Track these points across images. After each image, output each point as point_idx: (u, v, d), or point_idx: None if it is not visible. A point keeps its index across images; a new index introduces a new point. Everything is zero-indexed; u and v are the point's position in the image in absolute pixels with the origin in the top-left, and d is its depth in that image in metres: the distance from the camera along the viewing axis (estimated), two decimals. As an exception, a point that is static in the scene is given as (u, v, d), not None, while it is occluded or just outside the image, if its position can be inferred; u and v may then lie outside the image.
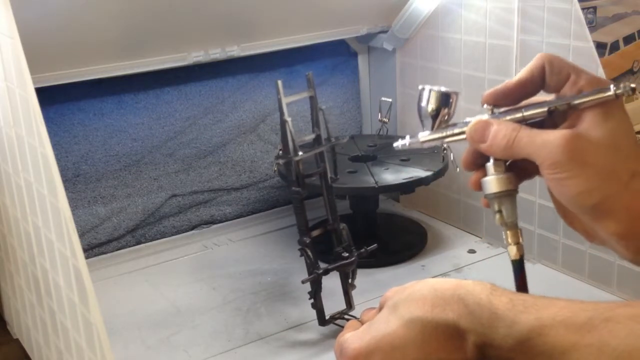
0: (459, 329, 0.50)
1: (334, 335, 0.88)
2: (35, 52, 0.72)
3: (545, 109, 0.55)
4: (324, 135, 0.92)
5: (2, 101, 0.77)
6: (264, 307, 0.99)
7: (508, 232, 0.57)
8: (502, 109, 0.57)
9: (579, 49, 0.94)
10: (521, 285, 0.57)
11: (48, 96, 1.05)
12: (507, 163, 0.57)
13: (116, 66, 1.05)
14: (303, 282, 0.87)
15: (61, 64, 1.00)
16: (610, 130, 0.52)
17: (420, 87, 0.60)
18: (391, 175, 1.08)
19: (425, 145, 0.61)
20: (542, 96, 0.57)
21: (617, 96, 0.52)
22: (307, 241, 0.88)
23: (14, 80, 0.71)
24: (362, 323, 0.58)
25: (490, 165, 0.57)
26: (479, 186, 0.58)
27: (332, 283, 0.92)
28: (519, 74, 0.56)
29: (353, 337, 0.55)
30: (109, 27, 0.98)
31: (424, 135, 0.60)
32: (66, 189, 0.79)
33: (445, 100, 0.59)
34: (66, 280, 0.70)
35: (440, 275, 1.06)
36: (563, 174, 0.51)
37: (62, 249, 0.68)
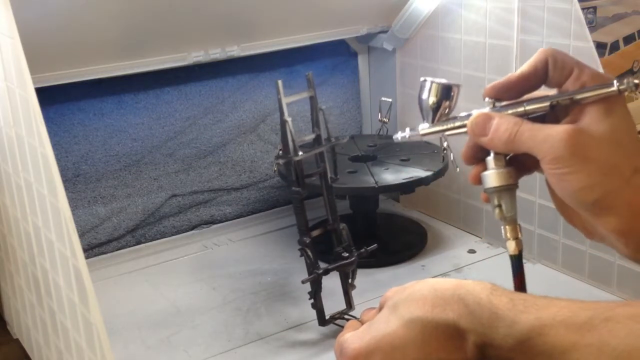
0: (459, 329, 0.50)
1: (334, 335, 0.88)
2: (35, 52, 0.72)
3: (548, 103, 0.54)
4: (324, 136, 0.91)
5: (2, 101, 0.77)
6: (264, 307, 0.99)
7: (507, 226, 0.57)
8: (504, 103, 0.56)
9: (579, 49, 0.94)
10: (519, 281, 0.56)
11: (48, 96, 1.05)
12: (507, 157, 0.57)
13: (116, 66, 1.05)
14: (303, 282, 0.87)
15: (61, 64, 1.00)
16: (612, 125, 0.52)
17: (422, 79, 0.59)
18: (391, 175, 1.08)
19: (425, 138, 0.60)
20: (544, 90, 0.57)
21: (620, 92, 0.52)
22: (307, 241, 0.88)
23: (14, 80, 0.71)
24: (362, 323, 0.58)
25: (490, 159, 0.56)
26: (479, 180, 0.58)
27: (332, 283, 0.92)
28: (522, 67, 0.56)
29: (353, 337, 0.55)
30: (109, 27, 0.98)
31: (425, 128, 0.60)
32: (66, 189, 0.79)
33: (446, 92, 0.58)
34: (66, 280, 0.70)
35: (440, 275, 1.06)
36: (564, 169, 0.51)
37: (62, 249, 0.68)
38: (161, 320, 0.97)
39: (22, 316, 0.95)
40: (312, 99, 0.91)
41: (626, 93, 0.52)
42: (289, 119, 0.86)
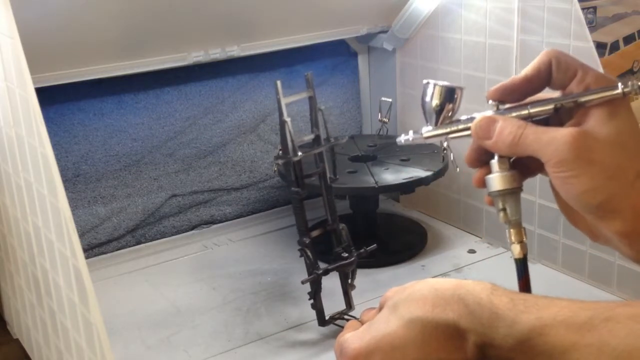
0: (459, 329, 0.49)
1: (334, 335, 0.88)
2: (35, 52, 0.72)
3: (552, 106, 0.54)
4: (323, 136, 0.91)
5: (2, 101, 0.77)
6: (264, 307, 0.99)
7: (512, 230, 0.56)
8: (508, 105, 0.56)
9: (579, 49, 0.94)
10: (524, 284, 0.56)
11: (48, 96, 1.05)
12: (511, 160, 0.56)
13: (116, 66, 1.05)
14: (303, 282, 0.87)
15: (61, 64, 1.00)
16: (616, 128, 0.52)
17: (424, 81, 0.59)
18: (391, 175, 1.08)
19: (429, 141, 0.60)
20: (548, 93, 0.56)
21: (624, 94, 0.51)
22: (307, 241, 0.88)
23: (14, 80, 0.71)
24: (362, 323, 0.58)
25: (494, 162, 0.56)
26: (483, 183, 0.57)
27: (331, 283, 0.92)
28: (525, 69, 0.56)
29: (353, 337, 0.55)
30: (109, 27, 0.98)
31: (428, 131, 0.59)
32: (66, 189, 0.79)
33: (449, 95, 0.58)
34: (66, 280, 0.70)
35: (440, 275, 1.06)
36: (569, 172, 0.51)
37: (62, 249, 0.68)
38: (161, 320, 0.97)
39: (22, 316, 0.95)
40: (311, 99, 0.91)
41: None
42: (288, 119, 0.86)
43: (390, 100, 1.19)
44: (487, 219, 1.16)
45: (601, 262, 0.98)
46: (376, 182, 1.05)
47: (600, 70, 0.92)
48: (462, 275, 1.06)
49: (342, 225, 0.91)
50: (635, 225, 0.51)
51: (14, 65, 0.69)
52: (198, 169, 1.24)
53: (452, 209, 1.22)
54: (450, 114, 0.58)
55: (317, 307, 0.89)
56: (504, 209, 0.56)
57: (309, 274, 0.88)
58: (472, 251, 1.14)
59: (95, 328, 0.64)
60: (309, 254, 0.88)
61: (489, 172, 0.57)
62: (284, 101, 0.87)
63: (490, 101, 0.56)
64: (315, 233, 0.90)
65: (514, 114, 0.55)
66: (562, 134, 0.51)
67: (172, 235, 1.23)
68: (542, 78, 0.55)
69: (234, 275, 1.09)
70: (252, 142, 1.28)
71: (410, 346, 0.51)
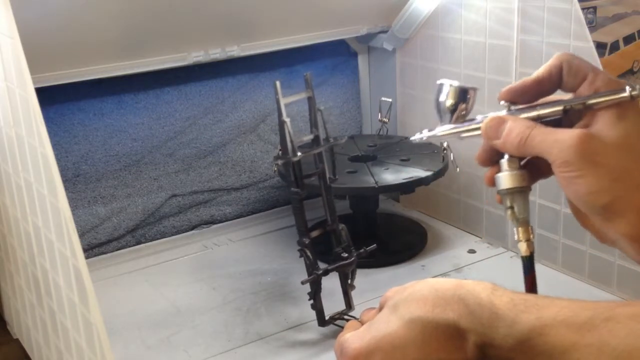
0: (460, 329, 0.50)
1: (334, 335, 0.88)
2: (35, 52, 0.72)
3: (561, 107, 0.55)
4: (322, 136, 0.91)
5: (2, 101, 0.77)
6: (264, 307, 0.99)
7: (519, 228, 0.57)
8: (519, 107, 0.57)
9: (579, 49, 0.94)
10: (531, 281, 0.57)
11: (48, 96, 1.05)
12: (523, 162, 0.57)
13: (116, 66, 1.05)
14: (303, 282, 0.87)
15: (61, 64, 1.00)
16: (624, 131, 0.52)
17: (439, 81, 0.60)
18: (391, 175, 1.08)
19: (442, 140, 0.62)
20: (560, 95, 0.57)
21: (632, 97, 0.52)
22: (307, 242, 0.88)
23: (14, 80, 0.71)
24: (362, 323, 0.58)
25: (504, 161, 0.57)
26: (493, 182, 0.58)
27: (331, 283, 0.92)
28: (537, 71, 0.57)
29: (353, 337, 0.55)
30: (109, 27, 0.98)
31: (441, 129, 0.61)
32: (66, 189, 0.79)
33: (463, 95, 0.59)
34: (66, 280, 0.70)
35: (440, 275, 1.06)
36: (574, 173, 0.51)
37: (62, 249, 0.68)
38: (161, 320, 0.97)
39: (22, 316, 0.95)
40: (310, 100, 0.91)
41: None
42: (287, 120, 0.86)
43: (390, 100, 1.19)
44: (487, 219, 1.16)
45: (601, 262, 0.98)
46: (376, 182, 1.05)
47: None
48: (462, 275, 1.06)
49: (341, 226, 0.91)
50: None
51: (14, 65, 0.69)
52: (198, 169, 1.24)
53: (452, 209, 1.22)
54: (463, 114, 0.60)
55: (317, 307, 0.89)
56: (512, 207, 0.57)
57: (309, 274, 0.88)
58: (472, 251, 1.14)
59: (95, 328, 0.64)
60: (309, 254, 0.88)
61: (500, 171, 0.57)
62: (283, 101, 0.87)
63: (502, 102, 0.57)
64: (315, 233, 0.90)
65: (523, 115, 0.56)
66: (568, 136, 0.52)
67: (172, 235, 1.23)
68: (554, 80, 0.56)
69: (234, 275, 1.09)
70: (252, 142, 1.28)
71: (410, 346, 0.51)
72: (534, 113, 0.56)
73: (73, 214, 0.65)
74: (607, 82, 0.54)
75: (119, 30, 1.00)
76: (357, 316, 0.64)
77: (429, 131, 0.62)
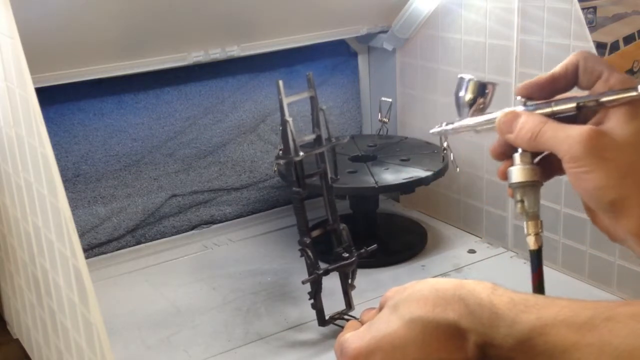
0: (460, 329, 0.49)
1: (334, 335, 0.88)
2: (35, 52, 0.72)
3: (574, 104, 0.56)
4: (324, 136, 0.91)
5: (2, 101, 0.77)
6: (264, 307, 0.99)
7: (529, 222, 0.58)
8: (535, 102, 0.58)
9: (579, 49, 0.93)
10: (538, 276, 0.57)
11: (48, 96, 1.05)
12: (538, 158, 0.58)
13: (116, 66, 1.05)
14: (303, 282, 0.87)
15: (61, 64, 1.00)
16: (634, 129, 0.52)
17: (459, 76, 0.61)
18: (391, 175, 1.08)
19: (460, 132, 0.63)
20: (577, 92, 0.58)
21: None
22: (307, 241, 0.88)
23: (14, 80, 0.71)
24: (362, 323, 0.58)
25: (517, 155, 0.58)
26: (506, 176, 0.59)
27: (332, 283, 0.92)
28: (554, 68, 0.58)
29: (353, 336, 0.55)
30: (109, 27, 0.98)
31: (459, 123, 0.62)
32: (66, 189, 0.79)
33: (481, 90, 0.60)
34: (66, 280, 0.70)
35: (440, 275, 1.06)
36: (582, 169, 0.52)
37: (62, 249, 0.68)
38: (161, 320, 0.97)
39: (22, 316, 0.95)
40: (313, 99, 0.91)
41: None
42: (289, 119, 0.86)
43: (390, 100, 1.19)
44: (487, 219, 1.16)
45: (601, 262, 0.98)
46: (376, 182, 1.05)
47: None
48: (462, 275, 1.06)
49: (342, 226, 0.91)
50: None
51: (14, 65, 0.69)
52: (198, 169, 1.24)
53: (452, 209, 1.22)
54: (481, 107, 0.61)
55: (317, 307, 0.89)
56: (522, 201, 0.57)
57: (310, 274, 0.88)
58: (472, 251, 1.14)
59: (95, 328, 0.64)
60: (310, 254, 0.88)
61: (512, 164, 0.58)
62: (285, 101, 0.87)
63: (519, 97, 0.58)
64: (315, 233, 0.90)
65: (538, 111, 0.57)
66: (577, 132, 0.52)
67: (172, 235, 1.23)
68: (569, 78, 0.57)
69: (234, 275, 1.09)
70: (252, 142, 1.28)
71: (410, 346, 0.51)
72: (548, 109, 0.56)
73: (73, 214, 0.65)
74: (622, 81, 0.55)
75: (119, 30, 1.00)
76: (357, 316, 0.64)
77: (446, 124, 0.63)
